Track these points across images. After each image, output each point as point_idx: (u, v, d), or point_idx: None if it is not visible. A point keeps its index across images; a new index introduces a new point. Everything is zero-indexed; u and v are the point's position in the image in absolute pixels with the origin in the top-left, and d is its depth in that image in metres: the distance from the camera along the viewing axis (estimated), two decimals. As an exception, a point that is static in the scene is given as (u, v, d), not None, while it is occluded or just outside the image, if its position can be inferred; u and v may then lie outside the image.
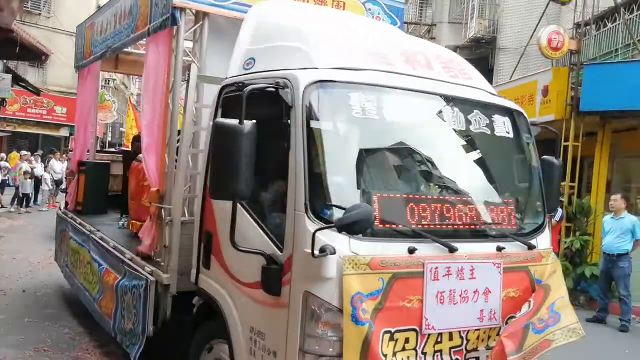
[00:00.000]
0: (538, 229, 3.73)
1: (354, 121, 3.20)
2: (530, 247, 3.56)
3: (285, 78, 3.21)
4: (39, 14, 23.95)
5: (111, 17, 6.28)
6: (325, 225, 2.87)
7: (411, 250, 3.07)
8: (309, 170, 2.99)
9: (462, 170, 3.57)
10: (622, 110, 11.50)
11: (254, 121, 2.99)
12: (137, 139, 7.62)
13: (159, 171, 4.72)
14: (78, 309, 6.97)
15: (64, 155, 18.97)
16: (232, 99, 3.80)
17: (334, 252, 2.83)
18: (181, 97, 4.60)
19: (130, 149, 7.71)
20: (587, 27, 14.57)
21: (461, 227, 3.36)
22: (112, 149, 11.91)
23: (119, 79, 31.93)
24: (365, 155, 3.20)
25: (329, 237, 2.89)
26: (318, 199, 2.99)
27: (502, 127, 3.71)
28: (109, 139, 30.70)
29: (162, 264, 4.51)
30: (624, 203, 8.74)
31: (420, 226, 3.17)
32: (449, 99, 3.51)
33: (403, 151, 3.31)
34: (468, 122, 3.54)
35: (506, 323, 3.39)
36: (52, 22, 23.63)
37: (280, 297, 3.06)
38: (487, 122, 3.64)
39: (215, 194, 3.04)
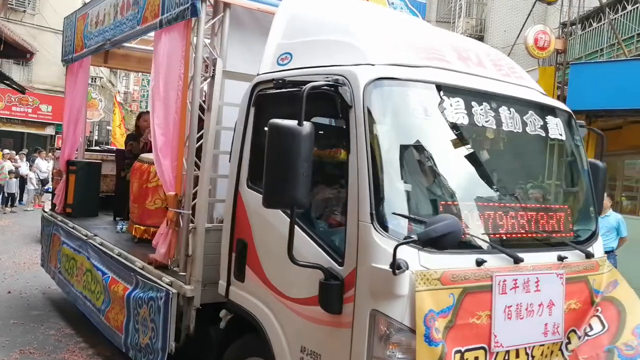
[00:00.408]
0: (592, 236, 3.56)
1: (416, 122, 2.95)
2: (589, 255, 3.37)
3: (341, 75, 2.94)
4: (24, 12, 23.20)
5: (110, 8, 5.88)
6: (405, 240, 2.60)
7: (479, 263, 2.84)
8: (374, 176, 2.73)
9: (521, 174, 3.37)
10: (607, 110, 11.59)
11: (312, 122, 2.72)
12: (131, 138, 7.24)
13: (175, 174, 4.39)
14: (64, 310, 7.01)
15: (50, 154, 18.64)
16: (268, 97, 3.53)
17: (407, 268, 2.58)
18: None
19: (124, 148, 7.29)
20: (573, 26, 14.67)
21: (523, 235, 3.15)
22: (97, 147, 11.38)
23: (106, 77, 31.09)
24: (430, 160, 2.95)
25: (388, 245, 2.65)
26: (384, 208, 2.73)
27: (555, 128, 3.52)
28: (96, 137, 29.89)
29: (183, 274, 4.19)
30: (610, 201, 8.75)
31: (487, 236, 2.95)
32: (506, 100, 3.29)
33: (467, 156, 3.08)
34: (524, 124, 3.32)
35: (568, 337, 3.21)
36: (37, 19, 22.96)
37: (341, 316, 2.79)
38: (542, 123, 3.43)
39: (270, 203, 2.75)
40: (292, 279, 3.11)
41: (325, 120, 3.04)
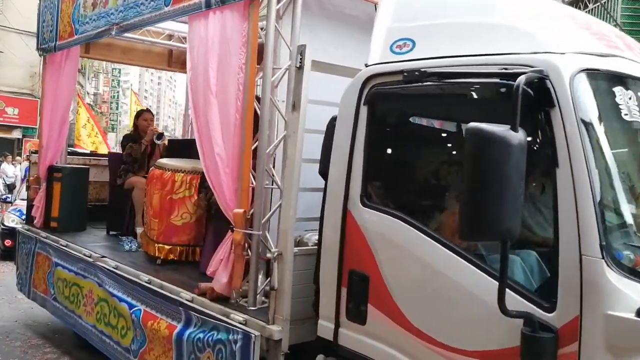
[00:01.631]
0: None
1: (624, 124, 2.35)
2: None
3: (527, 65, 2.29)
4: (-14, 13, 21.27)
5: (117, -15, 4.95)
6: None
7: None
8: (601, 195, 2.11)
9: None
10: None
11: (521, 127, 2.06)
12: (129, 139, 6.31)
13: (236, 186, 3.61)
14: (29, 321, 6.87)
15: (18, 158, 17.69)
16: (391, 93, 2.84)
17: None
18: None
19: (122, 151, 6.33)
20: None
21: None
22: (75, 150, 10.17)
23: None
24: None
25: (625, 285, 2.05)
26: (616, 237, 2.11)
27: None
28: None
29: (253, 308, 3.44)
30: None
31: None
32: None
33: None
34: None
35: None
36: (0, 20, 21.00)
37: (555, 378, 2.15)
38: None
39: (475, 234, 2.07)
40: (460, 327, 2.44)
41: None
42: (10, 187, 15.51)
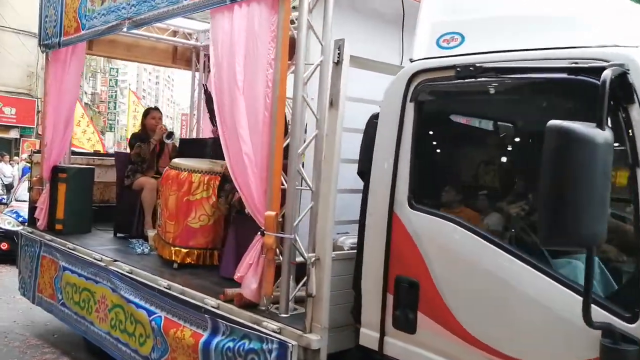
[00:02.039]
0: None
1: None
2: None
3: (602, 60, 2.16)
4: (-18, 11, 20.94)
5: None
6: None
7: None
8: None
9: None
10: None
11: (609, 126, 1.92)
12: (137, 138, 6.12)
13: (265, 187, 3.45)
14: (27, 321, 6.78)
15: (16, 158, 17.50)
16: (440, 90, 2.71)
17: None
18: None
19: (129, 150, 6.13)
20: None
21: None
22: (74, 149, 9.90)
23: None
24: None
25: None
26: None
27: None
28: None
29: (285, 315, 3.29)
30: None
31: None
32: None
33: None
34: None
35: None
36: None
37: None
38: None
39: (556, 240, 1.92)
40: (522, 335, 2.30)
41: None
42: (9, 187, 15.26)
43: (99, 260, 4.89)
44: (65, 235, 5.85)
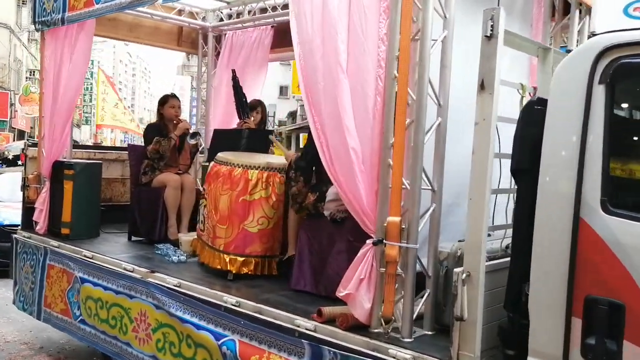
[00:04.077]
0: None
1: None
2: None
3: None
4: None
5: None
6: None
7: None
8: None
9: None
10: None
11: None
12: (154, 131, 5.41)
13: (376, 188, 2.89)
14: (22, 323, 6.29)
15: None
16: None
17: None
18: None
19: (144, 144, 5.39)
20: None
21: None
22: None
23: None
24: None
25: None
26: None
27: None
28: (37, 132, 25.85)
29: (409, 340, 2.77)
30: None
31: None
32: None
33: None
34: None
35: None
36: None
37: None
38: None
39: None
40: None
41: None
42: None
43: (130, 271, 4.20)
44: (73, 240, 5.10)
